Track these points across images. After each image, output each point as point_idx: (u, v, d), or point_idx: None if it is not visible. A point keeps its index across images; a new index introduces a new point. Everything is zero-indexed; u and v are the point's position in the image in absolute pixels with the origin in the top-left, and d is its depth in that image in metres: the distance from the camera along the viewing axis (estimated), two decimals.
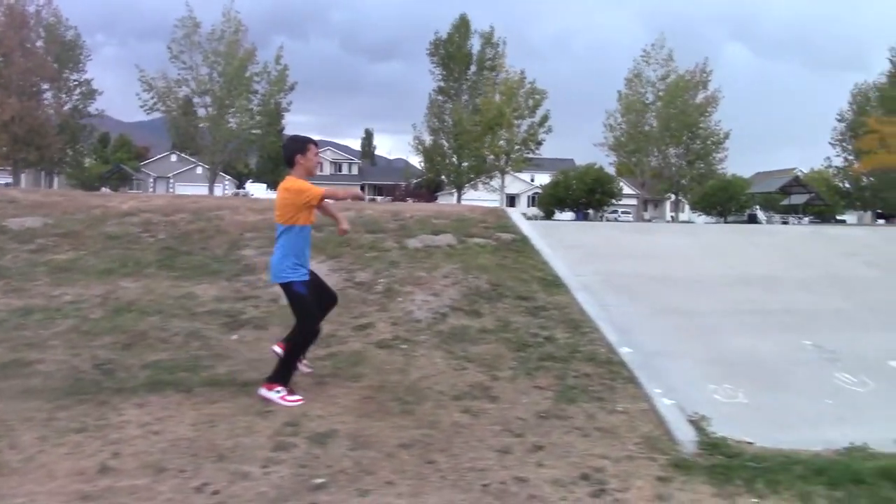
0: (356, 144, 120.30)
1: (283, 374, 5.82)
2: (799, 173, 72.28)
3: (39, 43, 49.00)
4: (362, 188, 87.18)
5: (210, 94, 50.27)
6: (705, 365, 6.93)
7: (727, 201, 64.41)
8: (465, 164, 57.31)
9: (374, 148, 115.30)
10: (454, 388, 6.16)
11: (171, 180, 79.41)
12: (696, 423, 5.84)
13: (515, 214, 11.49)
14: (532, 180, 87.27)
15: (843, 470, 5.11)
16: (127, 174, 67.26)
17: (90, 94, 52.03)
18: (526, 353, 6.73)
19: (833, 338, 7.62)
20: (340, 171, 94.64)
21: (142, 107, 49.64)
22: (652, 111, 57.95)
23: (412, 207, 11.96)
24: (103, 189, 60.85)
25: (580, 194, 65.03)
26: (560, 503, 4.65)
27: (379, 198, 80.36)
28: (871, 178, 58.39)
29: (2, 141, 44.38)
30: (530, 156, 60.14)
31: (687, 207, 75.83)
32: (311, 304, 5.91)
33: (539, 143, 58.60)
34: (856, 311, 8.39)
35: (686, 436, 5.53)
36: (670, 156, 60.41)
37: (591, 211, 65.99)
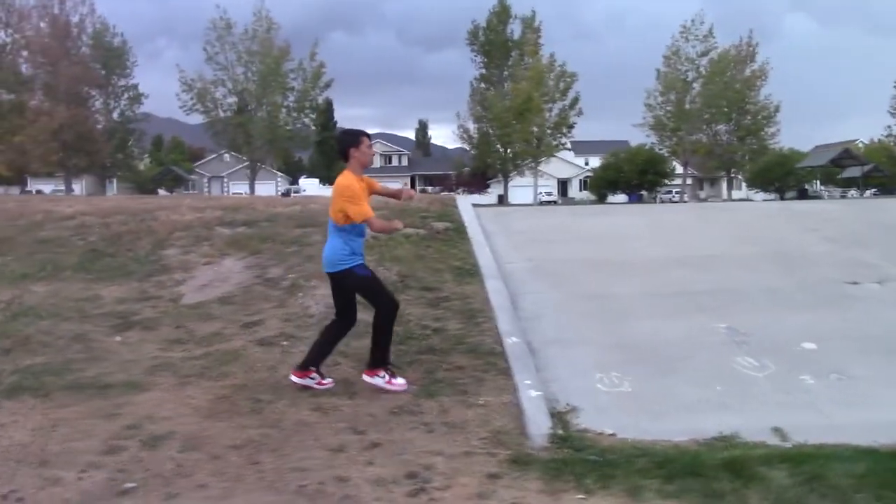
0: (414, 135, 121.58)
1: (380, 359, 5.95)
2: (860, 144, 70.11)
3: (85, 50, 49.92)
4: (412, 179, 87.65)
5: (245, 92, 50.66)
6: (603, 352, 6.74)
7: (785, 176, 62.78)
8: (510, 150, 56.64)
9: (430, 138, 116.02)
10: None
11: (225, 179, 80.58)
12: (561, 416, 5.68)
13: (463, 203, 11.30)
14: (586, 164, 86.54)
15: (687, 462, 4.92)
16: (179, 175, 68.26)
17: (137, 99, 53.03)
18: (406, 346, 6.62)
19: (752, 319, 7.35)
20: (391, 162, 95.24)
21: (181, 107, 50.79)
22: (693, 88, 56.66)
23: None
24: (159, 191, 62.30)
25: (632, 176, 64.17)
26: (374, 503, 4.50)
27: (430, 188, 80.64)
28: None
29: (52, 149, 45.41)
30: (563, 140, 59.35)
31: (744, 185, 74.42)
32: (378, 282, 6.07)
33: (571, 127, 57.87)
34: (788, 290, 8.08)
35: (539, 429, 5.37)
36: (720, 133, 59.10)
37: (644, 192, 65.12)
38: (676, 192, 67.61)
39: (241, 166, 58.69)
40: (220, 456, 5.04)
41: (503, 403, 5.75)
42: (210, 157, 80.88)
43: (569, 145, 64.34)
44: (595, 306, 7.71)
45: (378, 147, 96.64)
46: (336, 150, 6.23)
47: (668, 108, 57.47)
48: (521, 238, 9.96)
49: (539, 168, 60.04)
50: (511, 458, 5.05)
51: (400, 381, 5.93)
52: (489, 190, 71.18)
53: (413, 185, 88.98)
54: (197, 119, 52.44)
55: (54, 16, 47.49)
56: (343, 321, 6.18)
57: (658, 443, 5.27)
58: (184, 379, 6.20)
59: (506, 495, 4.60)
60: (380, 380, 5.91)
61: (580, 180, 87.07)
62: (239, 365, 6.40)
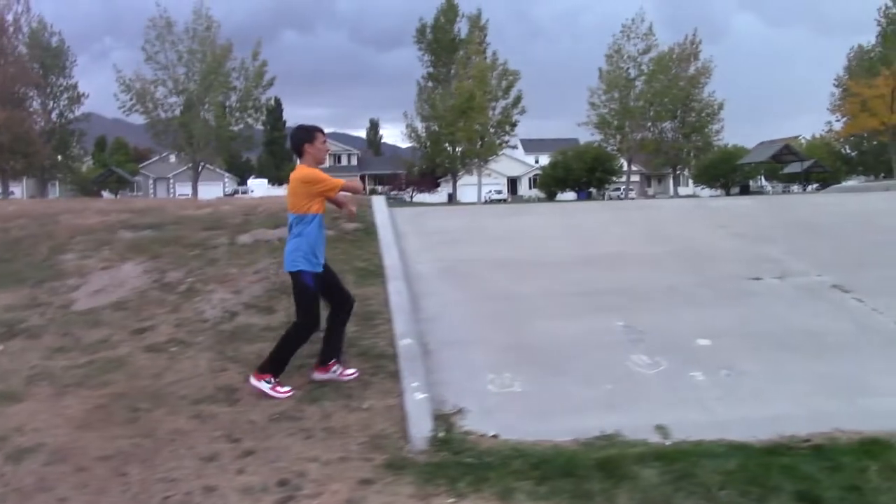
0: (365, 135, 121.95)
1: (274, 365, 5.86)
2: (803, 140, 71.77)
3: (22, 50, 48.60)
4: (362, 179, 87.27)
5: (186, 92, 49.96)
6: (499, 352, 6.71)
7: (730, 173, 64.05)
8: (457, 149, 56.67)
9: (381, 137, 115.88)
10: (201, 391, 5.95)
11: (171, 181, 79.13)
12: (446, 418, 5.63)
13: (378, 203, 11.18)
14: (537, 162, 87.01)
15: (562, 463, 4.93)
16: (122, 177, 66.84)
17: (76, 99, 51.85)
18: (298, 350, 6.44)
19: (650, 317, 7.40)
20: (339, 162, 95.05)
21: (120, 108, 49.75)
22: (636, 86, 57.39)
23: (270, 202, 11.65)
24: (103, 193, 60.88)
25: (580, 174, 64.71)
26: None
27: (380, 187, 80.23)
28: (874, 143, 57.90)
29: None
30: (507, 138, 59.62)
31: (690, 181, 75.59)
32: (313, 299, 5.92)
33: (514, 125, 58.18)
34: (690, 287, 8.15)
35: (420, 432, 5.32)
36: (666, 130, 59.94)
37: (592, 190, 65.68)
38: (624, 189, 68.49)
39: (186, 167, 57.62)
40: (86, 468, 4.90)
41: (387, 407, 5.69)
42: (155, 159, 79.44)
43: (513, 144, 64.45)
44: (497, 307, 7.69)
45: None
46: (290, 145, 6.23)
47: (612, 107, 58.06)
48: (435, 239, 9.90)
49: (488, 166, 60.24)
50: (387, 462, 5.00)
51: (285, 389, 5.88)
52: (439, 189, 71.15)
53: (363, 185, 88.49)
54: (139, 119, 51.39)
55: None
56: (340, 308, 6.21)
57: (539, 443, 5.26)
58: (62, 388, 6.02)
59: (376, 501, 4.56)
60: (266, 385, 5.84)
61: (530, 178, 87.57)
62: (122, 373, 6.23)
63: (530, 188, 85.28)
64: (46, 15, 52.74)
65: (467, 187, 64.54)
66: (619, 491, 4.55)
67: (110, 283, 8.08)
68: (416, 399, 5.75)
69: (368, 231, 9.63)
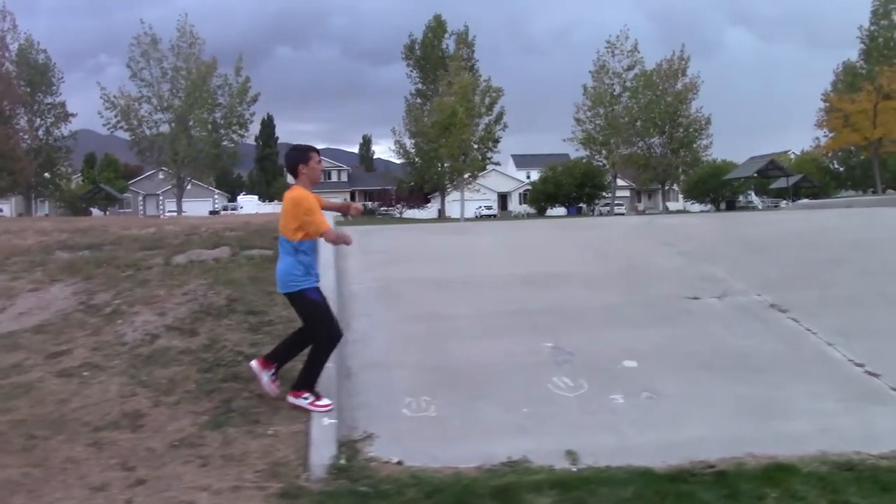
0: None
1: (308, 380, 5.89)
2: (792, 155, 72.20)
3: (9, 67, 48.44)
4: (352, 195, 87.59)
5: (171, 109, 49.99)
6: (422, 374, 6.64)
7: (720, 188, 64.30)
8: (443, 165, 56.66)
9: (373, 153, 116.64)
10: (104, 417, 5.83)
11: (161, 198, 78.77)
12: (352, 444, 5.56)
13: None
14: (528, 177, 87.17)
15: (457, 491, 4.88)
16: (109, 194, 66.54)
17: (64, 117, 51.62)
18: (212, 374, 6.42)
19: (581, 338, 7.33)
20: (330, 178, 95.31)
21: (105, 125, 49.72)
22: (621, 102, 57.59)
23: (215, 221, 11.55)
24: (93, 210, 60.54)
25: (570, 189, 64.82)
26: None
27: (369, 203, 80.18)
28: (861, 158, 58.23)
29: None
30: (490, 154, 59.72)
31: (680, 197, 75.75)
32: (326, 309, 5.94)
33: (496, 142, 58.33)
34: (625, 308, 8.09)
35: (321, 459, 5.24)
36: (654, 145, 60.12)
37: (582, 205, 65.71)
38: (616, 205, 68.65)
39: (172, 185, 57.47)
40: None
41: (293, 433, 5.59)
42: (144, 175, 79.19)
43: (496, 160, 64.51)
44: (427, 327, 7.60)
45: None
46: (285, 166, 6.21)
47: (598, 122, 58.23)
48: (377, 258, 9.80)
49: (476, 183, 60.29)
50: (281, 491, 4.91)
51: (325, 402, 5.87)
52: (429, 205, 71.14)
53: (353, 201, 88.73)
54: (124, 136, 51.30)
55: None
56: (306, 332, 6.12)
57: (442, 471, 5.20)
58: None
59: None
60: (304, 401, 5.86)
61: (520, 194, 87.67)
62: (27, 399, 6.10)
63: (520, 203, 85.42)
64: (41, 33, 52.96)
65: (457, 203, 64.63)
66: None
67: (36, 305, 7.95)
68: (323, 424, 5.67)
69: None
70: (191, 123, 50.86)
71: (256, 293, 8.03)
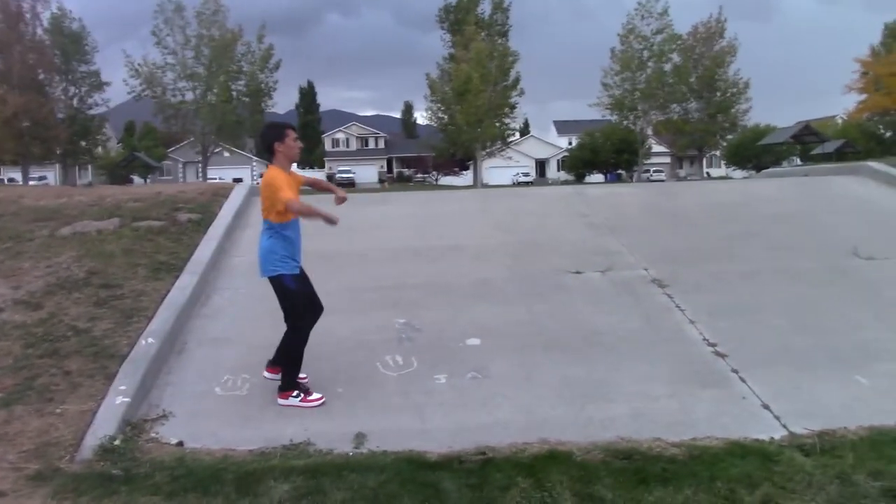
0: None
1: (291, 379, 5.76)
2: (840, 119, 70.12)
3: (42, 36, 48.91)
4: (389, 162, 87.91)
5: (194, 77, 50.29)
6: (255, 351, 6.52)
7: (762, 154, 62.76)
8: (479, 131, 55.98)
9: (415, 120, 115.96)
10: None
11: (200, 165, 79.36)
12: (138, 425, 5.50)
13: (237, 192, 10.93)
14: (570, 143, 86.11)
15: (204, 476, 4.83)
16: (144, 162, 67.13)
17: (98, 86, 52.01)
18: (33, 350, 6.34)
19: (437, 314, 7.20)
20: (367, 145, 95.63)
21: (129, 93, 50.34)
22: (648, 67, 56.32)
23: (123, 192, 11.45)
24: (133, 178, 61.43)
25: (608, 155, 63.85)
26: None
27: (406, 171, 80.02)
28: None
29: (5, 136, 44.30)
30: (507, 120, 58.99)
31: (722, 163, 74.33)
32: (300, 298, 5.79)
33: (513, 108, 57.63)
34: (501, 282, 7.91)
35: (95, 440, 5.16)
36: (690, 110, 58.92)
37: (622, 172, 64.75)
38: (655, 171, 67.46)
39: (214, 152, 57.80)
40: None
41: (82, 412, 5.49)
42: (184, 143, 79.80)
43: (514, 126, 63.74)
44: None
45: (354, 130, 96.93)
46: (261, 145, 5.94)
47: (625, 87, 57.11)
48: None
49: (511, 149, 59.73)
50: (35, 473, 4.85)
51: (315, 397, 5.76)
52: (465, 172, 70.72)
53: (390, 168, 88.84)
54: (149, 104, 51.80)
55: (5, 1, 46.33)
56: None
57: (215, 452, 5.11)
58: None
59: None
60: (295, 400, 5.72)
61: (558, 160, 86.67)
62: None
63: (558, 171, 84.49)
64: (87, 4, 52.81)
65: (494, 170, 64.20)
66: None
67: None
68: (115, 403, 5.57)
69: (201, 222, 9.40)
70: (214, 91, 51.03)
71: (121, 266, 7.93)
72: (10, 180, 55.50)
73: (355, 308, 7.36)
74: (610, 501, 4.21)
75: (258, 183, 6.70)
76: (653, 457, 4.79)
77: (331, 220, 5.59)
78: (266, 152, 5.77)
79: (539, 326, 6.90)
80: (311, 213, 5.63)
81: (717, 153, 70.59)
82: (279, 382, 5.81)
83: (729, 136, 63.66)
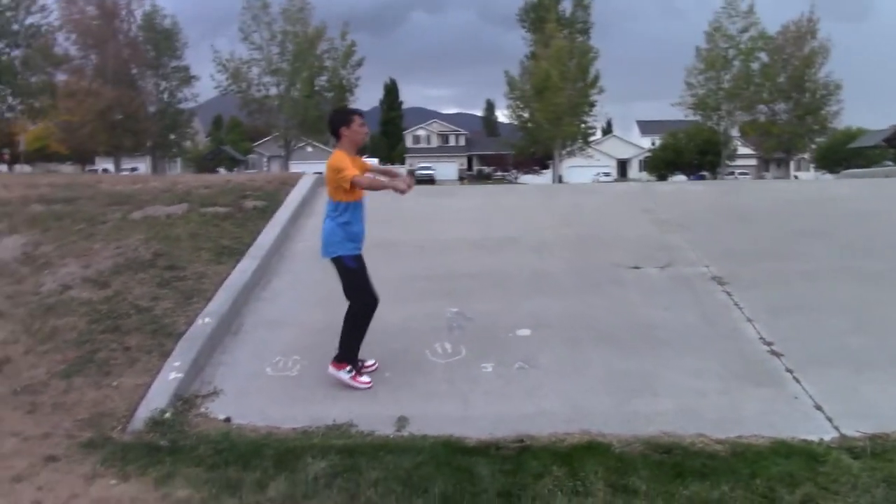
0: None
1: (348, 353, 5.85)
2: None
3: (135, 32, 50.89)
4: (469, 160, 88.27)
5: (279, 72, 51.40)
6: (307, 335, 6.70)
7: (853, 157, 60.66)
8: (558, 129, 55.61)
9: (496, 118, 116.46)
10: None
11: (284, 160, 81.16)
12: (189, 400, 5.67)
13: (305, 181, 11.11)
14: (653, 144, 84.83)
15: (246, 451, 4.94)
16: (230, 155, 68.82)
17: (187, 81, 53.75)
18: (97, 325, 6.59)
19: (490, 304, 7.20)
20: (447, 142, 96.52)
21: (216, 87, 51.95)
22: (734, 66, 54.93)
23: (195, 179, 11.76)
24: (220, 170, 63.57)
25: (691, 156, 62.71)
26: None
27: (486, 168, 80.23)
28: None
29: (99, 128, 46.48)
30: (586, 118, 58.28)
31: (811, 166, 72.20)
32: (362, 277, 5.90)
33: (591, 105, 56.95)
34: (559, 275, 7.91)
35: (145, 413, 5.34)
36: (779, 112, 57.28)
37: (705, 173, 63.64)
38: (740, 173, 65.81)
39: (297, 147, 59.06)
40: None
41: (136, 385, 5.69)
42: (268, 138, 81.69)
43: (592, 126, 62.91)
44: (341, 288, 7.52)
45: (434, 127, 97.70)
46: (328, 130, 6.11)
47: (709, 86, 55.84)
48: None
49: (591, 148, 59.09)
50: (87, 441, 5.06)
51: (364, 380, 5.85)
52: (545, 171, 70.41)
53: (470, 166, 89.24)
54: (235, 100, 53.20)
55: None
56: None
57: (260, 429, 5.23)
58: None
59: (41, 479, 4.60)
60: (345, 374, 5.82)
61: (640, 161, 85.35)
62: None
63: (640, 171, 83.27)
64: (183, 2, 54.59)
65: (574, 169, 63.69)
66: (272, 482, 4.43)
67: None
68: (168, 379, 5.75)
69: (266, 210, 9.59)
70: (297, 86, 51.99)
71: (186, 249, 8.16)
72: (104, 170, 57.55)
73: (408, 296, 7.41)
74: (643, 493, 4.16)
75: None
76: (694, 452, 4.70)
77: (398, 189, 5.66)
78: (333, 136, 5.85)
79: (592, 319, 6.84)
80: (377, 186, 5.76)
81: (806, 156, 68.24)
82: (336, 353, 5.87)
83: (818, 139, 61.53)
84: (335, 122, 5.84)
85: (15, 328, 6.63)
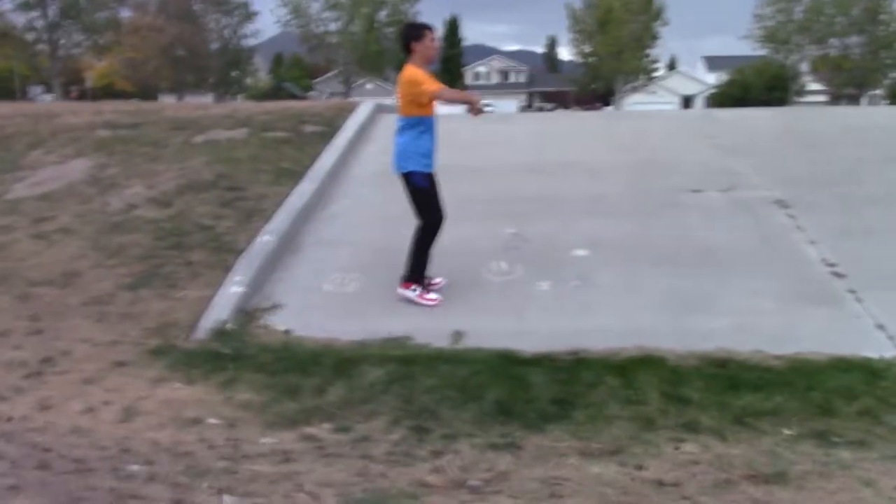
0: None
1: (416, 272, 5.88)
2: None
3: None
4: (530, 97, 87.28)
5: (339, 6, 51.36)
6: (365, 254, 6.79)
7: None
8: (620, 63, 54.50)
9: (557, 54, 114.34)
10: (46, 274, 6.42)
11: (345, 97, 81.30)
12: (251, 313, 5.82)
13: (364, 108, 11.09)
14: (720, 80, 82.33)
15: (304, 359, 5.09)
16: (291, 92, 69.16)
17: (249, 17, 54.03)
18: (162, 242, 6.76)
19: (548, 225, 7.18)
20: (508, 79, 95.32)
21: (275, 22, 52.50)
22: None
23: (255, 106, 11.84)
24: None
25: (759, 92, 60.98)
26: None
27: (547, 105, 79.36)
28: None
29: (162, 64, 47.64)
30: (647, 52, 56.84)
31: (883, 102, 69.67)
32: (431, 197, 5.86)
33: (654, 38, 55.51)
34: (618, 198, 7.82)
35: (208, 323, 5.50)
36: (851, 46, 55.05)
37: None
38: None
39: (357, 84, 59.13)
40: None
41: (200, 298, 5.84)
42: (329, 74, 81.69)
43: (654, 59, 61.21)
44: (400, 210, 7.50)
45: (495, 64, 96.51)
46: (399, 44, 6.02)
47: (779, 18, 53.84)
48: None
49: (655, 84, 57.74)
50: (154, 348, 5.22)
51: (433, 296, 5.88)
52: (607, 107, 69.28)
53: (530, 103, 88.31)
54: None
55: None
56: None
57: (319, 340, 5.32)
58: None
59: (110, 382, 4.76)
60: (412, 293, 5.86)
61: (705, 97, 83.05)
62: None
63: (705, 107, 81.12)
64: None
65: (636, 106, 62.55)
66: (330, 388, 4.55)
67: (52, 176, 8.56)
68: (230, 292, 5.89)
69: (325, 134, 9.62)
70: (357, 21, 51.78)
71: (247, 171, 8.27)
72: None
73: (466, 217, 7.37)
74: (696, 402, 4.17)
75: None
76: (749, 366, 4.68)
77: (476, 104, 5.63)
78: (403, 51, 5.68)
79: (649, 241, 6.77)
80: (459, 98, 5.82)
81: (879, 92, 65.51)
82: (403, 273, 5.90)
83: (893, 74, 58.99)
84: (407, 35, 5.68)
85: (83, 244, 6.83)
